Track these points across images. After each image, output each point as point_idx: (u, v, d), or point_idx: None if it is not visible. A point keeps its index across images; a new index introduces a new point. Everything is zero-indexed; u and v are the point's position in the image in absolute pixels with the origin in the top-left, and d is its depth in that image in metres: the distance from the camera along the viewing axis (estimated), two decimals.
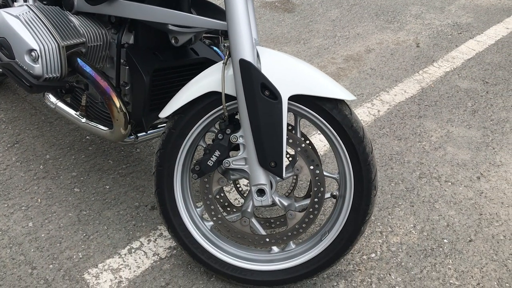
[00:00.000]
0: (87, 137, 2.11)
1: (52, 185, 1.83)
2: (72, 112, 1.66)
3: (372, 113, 2.45)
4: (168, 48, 1.57)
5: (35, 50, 1.34)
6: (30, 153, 1.98)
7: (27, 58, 1.35)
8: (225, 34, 1.40)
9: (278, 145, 1.30)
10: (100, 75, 1.42)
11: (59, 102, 1.69)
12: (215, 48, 1.69)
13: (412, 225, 1.79)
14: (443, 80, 2.82)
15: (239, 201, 1.82)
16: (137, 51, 1.50)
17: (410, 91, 2.68)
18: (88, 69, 1.42)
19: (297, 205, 1.46)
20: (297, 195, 1.75)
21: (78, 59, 1.43)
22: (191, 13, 1.49)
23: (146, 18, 1.41)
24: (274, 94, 1.27)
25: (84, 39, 1.46)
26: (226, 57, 1.34)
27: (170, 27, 1.44)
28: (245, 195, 1.64)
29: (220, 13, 1.51)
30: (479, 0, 4.03)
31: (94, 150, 2.03)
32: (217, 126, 1.44)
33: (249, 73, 1.26)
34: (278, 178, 1.39)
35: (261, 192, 1.36)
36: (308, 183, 1.76)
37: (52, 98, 1.70)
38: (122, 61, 1.52)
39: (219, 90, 1.34)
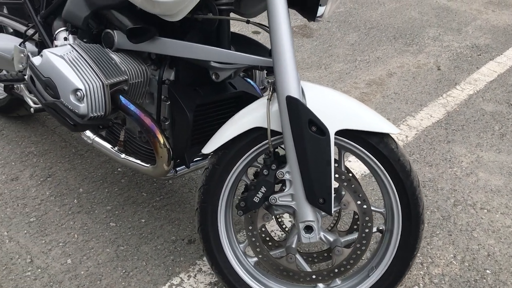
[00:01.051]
0: (119, 169, 2.11)
1: (87, 220, 1.82)
2: (110, 147, 1.66)
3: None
4: (208, 83, 1.57)
5: (81, 90, 1.34)
6: (63, 187, 1.97)
7: (72, 98, 1.36)
8: (268, 70, 1.40)
9: (327, 181, 1.29)
10: (144, 112, 1.42)
11: (96, 137, 1.69)
12: (249, 80, 1.69)
13: (452, 255, 1.76)
14: (468, 104, 2.81)
15: (275, 233, 1.80)
16: (179, 88, 1.50)
17: (436, 115, 2.67)
18: (132, 107, 1.42)
19: (342, 240, 1.44)
20: (340, 229, 1.73)
21: (121, 97, 1.44)
22: (231, 48, 1.50)
23: (189, 56, 1.41)
24: (322, 130, 1.26)
25: (126, 77, 1.46)
26: (270, 93, 1.34)
27: (212, 63, 1.44)
28: (286, 228, 1.62)
29: (260, 48, 1.51)
30: (495, 21, 4.04)
31: (127, 183, 2.03)
32: (259, 160, 1.43)
33: (297, 110, 1.26)
34: (323, 213, 1.38)
35: (308, 228, 1.34)
36: (352, 217, 1.73)
37: (88, 133, 1.70)
38: (163, 97, 1.53)
39: (264, 125, 1.34)
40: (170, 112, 1.54)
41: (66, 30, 1.60)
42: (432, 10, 4.20)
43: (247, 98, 1.64)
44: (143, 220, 1.85)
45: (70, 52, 1.41)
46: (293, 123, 1.27)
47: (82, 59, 1.41)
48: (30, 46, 1.85)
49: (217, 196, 1.43)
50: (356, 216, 1.53)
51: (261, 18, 1.44)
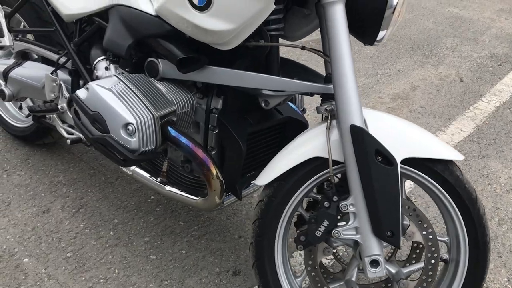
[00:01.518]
0: (152, 197, 2.04)
1: (126, 253, 1.75)
2: (152, 178, 1.59)
3: None
4: (255, 110, 1.52)
5: (132, 124, 1.28)
6: (97, 218, 1.91)
7: (123, 132, 1.30)
8: (323, 96, 1.35)
9: (395, 213, 1.23)
10: (196, 144, 1.36)
11: (137, 168, 1.63)
12: (292, 104, 1.64)
13: (506, 279, 1.70)
14: (496, 116, 2.76)
15: (328, 263, 1.74)
16: (228, 116, 1.44)
17: (466, 129, 2.62)
18: (183, 139, 1.36)
19: (404, 271, 1.37)
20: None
21: (170, 129, 1.38)
22: (279, 75, 1.45)
23: (242, 85, 1.36)
24: (389, 160, 1.21)
25: (175, 107, 1.40)
26: (329, 121, 1.29)
27: (264, 91, 1.39)
28: (340, 258, 1.56)
29: (309, 73, 1.46)
30: (510, 29, 4.02)
31: (162, 212, 1.96)
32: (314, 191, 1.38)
33: (362, 139, 1.21)
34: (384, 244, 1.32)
35: (375, 263, 1.28)
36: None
37: None
38: (210, 126, 1.47)
39: (324, 155, 1.28)
40: (217, 141, 1.48)
41: (106, 59, 1.55)
42: (446, 20, 4.18)
43: (293, 123, 1.59)
44: (183, 252, 1.78)
45: (117, 84, 1.35)
46: (358, 153, 1.22)
47: (130, 91, 1.35)
48: (62, 75, 1.79)
49: (273, 229, 1.36)
50: (420, 246, 1.46)
51: (309, 40, 1.38)
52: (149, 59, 1.46)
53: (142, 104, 1.33)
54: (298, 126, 1.59)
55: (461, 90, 3.04)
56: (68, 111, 1.77)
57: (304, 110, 1.74)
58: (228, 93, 1.45)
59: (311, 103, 2.68)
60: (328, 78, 1.34)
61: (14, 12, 1.89)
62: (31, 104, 2.29)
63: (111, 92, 1.32)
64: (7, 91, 1.97)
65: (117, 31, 1.47)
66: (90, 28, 1.65)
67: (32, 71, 1.89)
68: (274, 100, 1.43)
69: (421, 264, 1.38)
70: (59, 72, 1.79)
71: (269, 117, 1.53)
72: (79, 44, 1.71)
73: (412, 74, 3.23)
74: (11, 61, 2.02)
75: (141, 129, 1.30)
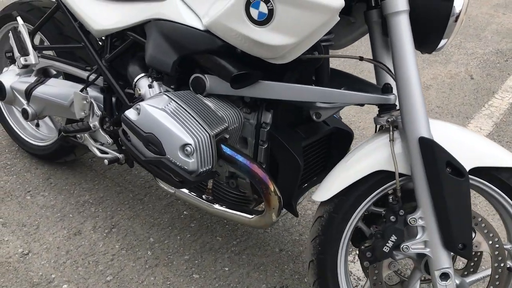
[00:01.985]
0: (185, 212, 1.99)
1: (168, 273, 1.70)
2: (197, 196, 1.54)
3: None
4: (303, 122, 1.49)
5: (190, 144, 1.23)
6: (132, 238, 1.85)
7: (180, 154, 1.25)
8: (381, 107, 1.32)
9: (467, 225, 1.20)
10: (253, 161, 1.31)
11: (161, 181, 1.57)
12: (335, 115, 1.61)
13: None
14: None
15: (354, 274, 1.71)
16: (281, 131, 1.40)
17: (485, 127, 2.63)
18: (239, 157, 1.31)
19: (467, 281, 1.35)
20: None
21: (224, 146, 1.33)
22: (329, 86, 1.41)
23: (297, 99, 1.32)
24: (460, 171, 1.18)
25: (226, 124, 1.36)
26: (391, 133, 1.26)
27: (318, 104, 1.35)
28: (398, 272, 1.53)
29: (359, 83, 1.42)
30: (510, 24, 4.05)
31: (197, 227, 1.91)
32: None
33: (432, 152, 1.18)
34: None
35: (445, 276, 1.25)
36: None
37: None
38: (260, 141, 1.43)
39: (388, 168, 1.25)
40: (266, 156, 1.44)
41: (148, 76, 1.49)
42: None
43: (339, 134, 1.56)
44: (226, 269, 1.73)
45: (169, 104, 1.30)
46: (427, 166, 1.19)
47: (183, 110, 1.30)
48: (92, 92, 1.72)
49: (336, 246, 1.33)
50: (478, 254, 1.44)
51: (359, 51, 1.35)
52: (195, 75, 1.41)
53: (197, 123, 1.28)
54: (344, 136, 1.56)
55: (473, 87, 3.05)
56: (100, 130, 1.70)
57: (340, 119, 1.71)
58: (278, 107, 1.41)
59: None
60: (386, 89, 1.31)
61: (38, 29, 1.82)
62: (50, 122, 2.22)
63: (164, 112, 1.27)
64: (30, 110, 1.90)
65: (160, 47, 1.41)
66: (124, 43, 1.59)
67: (58, 89, 1.81)
68: (327, 112, 1.39)
69: (482, 274, 1.36)
70: (88, 89, 1.72)
71: (319, 129, 1.50)
72: (110, 60, 1.64)
73: (423, 73, 3.23)
74: (31, 78, 1.94)
75: (199, 150, 1.25)
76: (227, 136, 1.36)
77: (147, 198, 2.06)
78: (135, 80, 1.50)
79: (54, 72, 2.04)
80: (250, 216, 1.42)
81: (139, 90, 1.47)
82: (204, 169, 1.28)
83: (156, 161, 1.28)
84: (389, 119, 1.28)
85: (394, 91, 1.29)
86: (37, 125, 2.24)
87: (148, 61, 1.42)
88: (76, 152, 2.08)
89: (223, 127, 1.34)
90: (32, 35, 1.81)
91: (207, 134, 1.27)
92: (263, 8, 1.16)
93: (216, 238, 1.87)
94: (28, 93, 1.87)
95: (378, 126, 1.40)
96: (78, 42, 1.88)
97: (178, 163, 1.26)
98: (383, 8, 1.19)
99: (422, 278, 1.38)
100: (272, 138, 1.40)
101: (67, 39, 1.88)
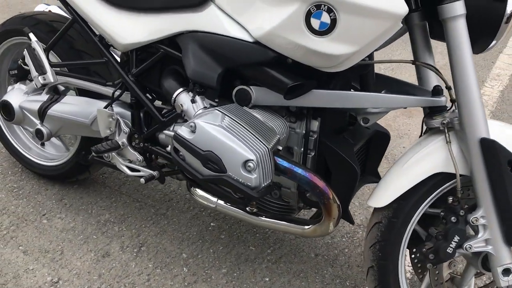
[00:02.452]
0: (212, 224, 1.95)
1: None
2: (239, 210, 1.51)
3: None
4: (347, 127, 1.48)
5: (252, 160, 1.20)
6: (163, 255, 1.79)
7: (243, 170, 1.21)
8: (431, 110, 1.33)
9: None
10: (311, 172, 1.30)
11: (220, 200, 1.54)
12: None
13: None
14: (504, 100, 2.87)
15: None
16: (331, 139, 1.39)
17: None
18: (297, 169, 1.29)
19: None
20: None
21: (279, 159, 1.31)
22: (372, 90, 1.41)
23: (349, 106, 1.32)
24: None
25: (278, 135, 1.33)
26: (447, 135, 1.27)
27: (368, 109, 1.35)
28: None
29: (403, 85, 1.43)
30: None
31: (228, 238, 1.88)
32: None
33: (494, 152, 1.20)
34: None
35: (506, 271, 1.28)
36: None
37: (209, 196, 1.55)
38: (307, 150, 1.41)
39: (447, 170, 1.27)
40: (313, 165, 1.43)
41: (188, 91, 1.44)
42: None
43: (378, 136, 1.56)
44: (267, 279, 1.71)
45: (224, 119, 1.26)
46: (489, 166, 1.21)
47: (238, 124, 1.26)
48: (117, 108, 1.65)
49: (397, 251, 1.34)
50: None
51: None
52: (239, 86, 1.38)
53: (255, 138, 1.25)
54: (383, 138, 1.56)
55: None
56: (129, 147, 1.64)
57: None
58: (325, 114, 1.40)
59: None
60: (437, 91, 1.32)
61: (53, 45, 1.72)
62: (56, 141, 2.12)
63: (222, 129, 1.23)
64: (45, 130, 1.80)
65: (203, 60, 1.37)
66: (153, 57, 1.53)
67: (76, 107, 1.73)
68: (375, 117, 1.39)
69: None
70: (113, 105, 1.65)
71: (362, 133, 1.49)
72: (137, 75, 1.58)
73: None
74: (42, 96, 1.85)
75: (261, 165, 1.22)
76: (280, 148, 1.34)
77: (170, 212, 2.00)
78: (174, 96, 1.44)
79: (63, 88, 1.95)
80: (306, 227, 1.41)
81: (181, 105, 1.42)
82: (265, 183, 1.25)
83: (216, 179, 1.24)
84: (444, 122, 1.29)
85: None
86: (42, 144, 2.14)
87: (191, 75, 1.37)
88: (91, 169, 2.00)
89: (276, 139, 1.32)
90: (47, 52, 1.71)
91: (266, 148, 1.25)
92: (325, 18, 1.14)
93: (249, 248, 1.84)
94: (42, 113, 1.77)
95: (425, 128, 1.41)
96: (92, 56, 1.81)
97: (240, 180, 1.23)
98: (441, 13, 1.19)
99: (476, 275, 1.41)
100: (323, 146, 1.38)
101: (79, 53, 1.80)
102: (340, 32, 1.15)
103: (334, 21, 1.14)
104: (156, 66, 1.56)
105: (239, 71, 1.36)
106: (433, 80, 1.41)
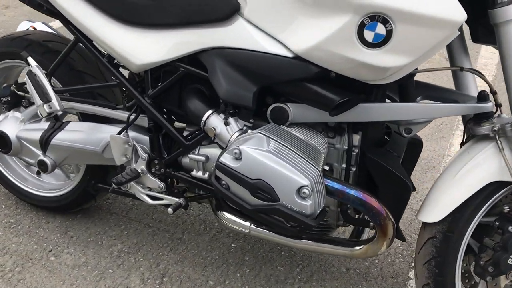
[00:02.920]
0: (233, 245, 1.85)
1: None
2: (278, 234, 1.42)
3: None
4: (384, 138, 1.42)
5: (307, 186, 1.11)
6: (189, 285, 1.68)
7: (297, 197, 1.12)
8: (477, 116, 1.27)
9: None
10: (364, 192, 1.22)
11: (253, 224, 1.45)
12: None
13: None
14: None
15: None
16: (377, 153, 1.32)
17: None
18: (349, 189, 1.22)
19: None
20: None
21: (328, 180, 1.23)
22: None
23: (397, 118, 1.26)
24: None
25: (323, 154, 1.25)
26: (499, 141, 1.23)
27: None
28: None
29: (449, 92, 1.37)
30: None
31: (253, 260, 1.78)
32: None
33: None
34: None
35: None
36: None
37: (240, 221, 1.45)
38: (349, 166, 1.34)
39: (502, 179, 1.22)
40: (355, 181, 1.36)
41: (218, 112, 1.33)
42: None
43: (413, 144, 1.50)
44: None
45: (270, 143, 1.16)
46: None
47: (286, 147, 1.17)
48: (132, 133, 1.53)
49: (453, 266, 1.29)
50: None
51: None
52: (275, 104, 1.29)
53: (305, 160, 1.16)
54: (417, 146, 1.50)
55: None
56: (149, 174, 1.52)
57: None
58: (367, 128, 1.32)
59: None
60: (483, 96, 1.27)
61: (55, 69, 1.57)
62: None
63: (271, 154, 1.14)
64: (48, 161, 1.65)
65: (235, 79, 1.27)
66: (173, 76, 1.41)
67: (84, 134, 1.59)
68: (418, 127, 1.33)
69: None
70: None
71: (400, 142, 1.43)
72: (155, 96, 1.46)
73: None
74: (42, 124, 1.69)
75: (315, 189, 1.13)
76: (327, 168, 1.26)
77: (186, 236, 1.89)
78: (204, 119, 1.33)
79: (61, 113, 1.79)
80: (357, 248, 1.33)
81: (214, 129, 1.31)
82: (320, 209, 1.17)
83: (268, 209, 1.15)
84: (495, 128, 1.24)
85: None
86: (38, 173, 1.98)
87: (224, 96, 1.27)
88: (97, 197, 1.86)
89: (322, 159, 1.23)
90: (49, 77, 1.56)
91: (317, 171, 1.16)
92: (381, 29, 1.07)
93: (277, 268, 1.75)
94: (44, 142, 1.62)
95: (467, 135, 1.37)
96: (95, 78, 1.67)
97: (294, 208, 1.14)
98: (492, 17, 1.14)
99: None
100: (369, 161, 1.31)
101: (81, 75, 1.65)
102: (396, 43, 1.07)
103: (389, 32, 1.06)
104: (175, 86, 1.44)
105: (275, 88, 1.27)
106: (472, 85, 1.36)
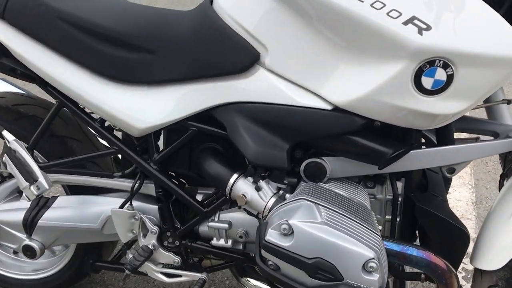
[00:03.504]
0: None
1: None
2: None
3: None
4: (424, 180, 1.30)
5: (373, 259, 0.97)
6: None
7: (363, 273, 0.98)
8: None
9: None
10: (426, 251, 1.09)
11: None
12: None
13: None
14: None
15: None
16: (424, 200, 1.20)
17: None
18: (411, 250, 1.08)
19: None
20: None
21: (386, 242, 1.09)
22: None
23: (447, 163, 1.17)
24: None
25: (372, 212, 1.12)
26: None
27: None
28: None
29: (489, 124, 1.28)
30: None
31: None
32: None
33: None
34: None
35: None
36: None
37: None
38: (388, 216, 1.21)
39: None
40: (400, 232, 1.23)
41: (245, 175, 1.17)
42: None
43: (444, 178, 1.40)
44: None
45: (321, 212, 1.01)
46: None
47: (339, 214, 1.03)
48: (137, 204, 1.33)
49: None
50: None
51: None
52: (309, 160, 1.14)
53: (363, 227, 1.02)
54: (448, 180, 1.40)
55: None
56: (161, 249, 1.32)
57: None
58: (410, 173, 1.20)
59: None
60: None
61: (37, 141, 1.33)
62: None
63: (327, 227, 0.98)
64: (36, 246, 1.41)
65: (263, 137, 1.10)
66: (181, 137, 1.23)
67: (77, 210, 1.37)
68: (461, 166, 1.23)
69: None
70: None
71: (438, 181, 1.32)
72: (161, 161, 1.27)
73: None
74: (22, 203, 1.45)
75: (381, 260, 0.99)
76: (380, 228, 1.12)
77: None
78: (229, 185, 1.16)
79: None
80: None
81: (245, 196, 1.14)
82: (386, 280, 1.03)
83: None
84: None
85: None
86: (15, 253, 1.71)
87: (253, 158, 1.11)
88: (94, 276, 1.64)
89: (374, 218, 1.10)
90: (31, 151, 1.32)
91: (378, 237, 1.02)
92: (441, 75, 0.94)
93: None
94: (29, 225, 1.38)
95: (508, 167, 1.28)
96: (80, 142, 1.46)
97: (362, 286, 0.99)
98: None
99: None
100: (418, 210, 1.18)
101: (64, 141, 1.43)
102: (456, 88, 0.96)
103: (450, 77, 0.94)
104: (185, 146, 1.26)
105: (309, 143, 1.12)
106: (506, 113, 1.28)
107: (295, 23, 1.03)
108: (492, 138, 1.24)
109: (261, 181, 1.15)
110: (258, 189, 1.14)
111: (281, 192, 1.16)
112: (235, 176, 1.17)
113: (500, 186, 1.31)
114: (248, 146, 1.11)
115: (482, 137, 1.26)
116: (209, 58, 1.14)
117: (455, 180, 2.38)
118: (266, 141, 1.11)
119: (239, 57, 1.11)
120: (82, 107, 1.31)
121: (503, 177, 1.29)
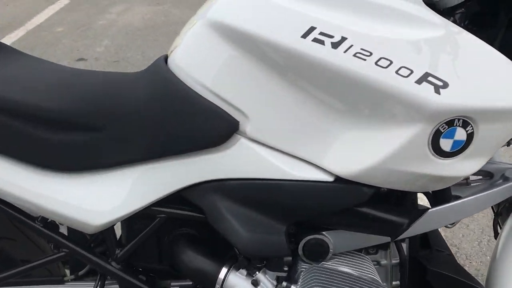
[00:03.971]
0: None
1: None
2: None
3: None
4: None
5: None
6: None
7: None
8: None
9: None
10: None
11: None
12: None
13: None
14: None
15: None
16: (432, 261, 1.11)
17: None
18: None
19: None
20: None
21: None
22: None
23: (459, 218, 1.06)
24: None
25: (384, 284, 0.99)
26: None
27: None
28: None
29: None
30: None
31: None
32: None
33: None
34: None
35: None
36: None
37: None
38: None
39: None
40: None
41: (238, 268, 0.97)
42: None
43: None
44: None
45: None
46: None
47: None
48: None
49: None
50: None
51: None
52: (309, 237, 0.97)
53: None
54: None
55: None
56: None
57: None
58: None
59: None
60: None
61: None
62: None
63: None
64: None
65: (254, 221, 0.93)
66: (148, 227, 1.02)
67: None
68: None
69: None
70: None
71: (439, 236, 1.23)
72: (125, 258, 1.05)
73: None
74: None
75: None
76: None
77: None
78: (219, 283, 0.96)
79: None
80: None
81: None
82: None
83: None
84: None
85: None
86: None
87: (245, 249, 0.93)
88: None
89: None
90: None
91: None
92: (461, 135, 0.83)
93: None
94: None
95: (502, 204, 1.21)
96: (14, 241, 1.19)
97: None
98: None
99: None
100: (431, 275, 1.07)
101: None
102: (476, 146, 0.85)
103: (470, 136, 0.83)
104: (151, 237, 1.05)
105: (310, 220, 0.96)
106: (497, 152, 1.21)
107: (271, 79, 0.87)
108: (483, 177, 1.16)
109: (257, 273, 0.96)
110: (255, 283, 0.95)
111: (284, 284, 0.97)
112: (224, 270, 0.97)
113: (495, 223, 1.23)
114: (236, 234, 0.93)
115: (472, 177, 1.18)
116: (174, 132, 0.94)
117: None
118: (258, 225, 0.93)
119: (212, 128, 0.92)
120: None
121: (497, 216, 1.22)
